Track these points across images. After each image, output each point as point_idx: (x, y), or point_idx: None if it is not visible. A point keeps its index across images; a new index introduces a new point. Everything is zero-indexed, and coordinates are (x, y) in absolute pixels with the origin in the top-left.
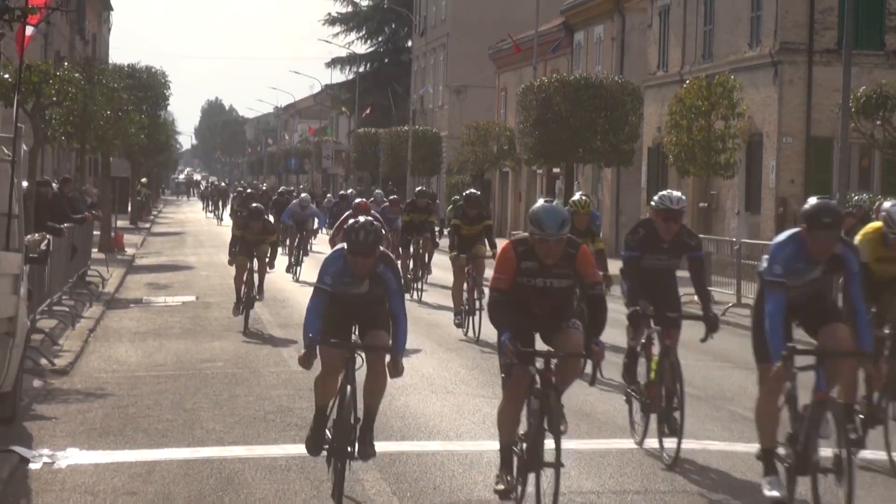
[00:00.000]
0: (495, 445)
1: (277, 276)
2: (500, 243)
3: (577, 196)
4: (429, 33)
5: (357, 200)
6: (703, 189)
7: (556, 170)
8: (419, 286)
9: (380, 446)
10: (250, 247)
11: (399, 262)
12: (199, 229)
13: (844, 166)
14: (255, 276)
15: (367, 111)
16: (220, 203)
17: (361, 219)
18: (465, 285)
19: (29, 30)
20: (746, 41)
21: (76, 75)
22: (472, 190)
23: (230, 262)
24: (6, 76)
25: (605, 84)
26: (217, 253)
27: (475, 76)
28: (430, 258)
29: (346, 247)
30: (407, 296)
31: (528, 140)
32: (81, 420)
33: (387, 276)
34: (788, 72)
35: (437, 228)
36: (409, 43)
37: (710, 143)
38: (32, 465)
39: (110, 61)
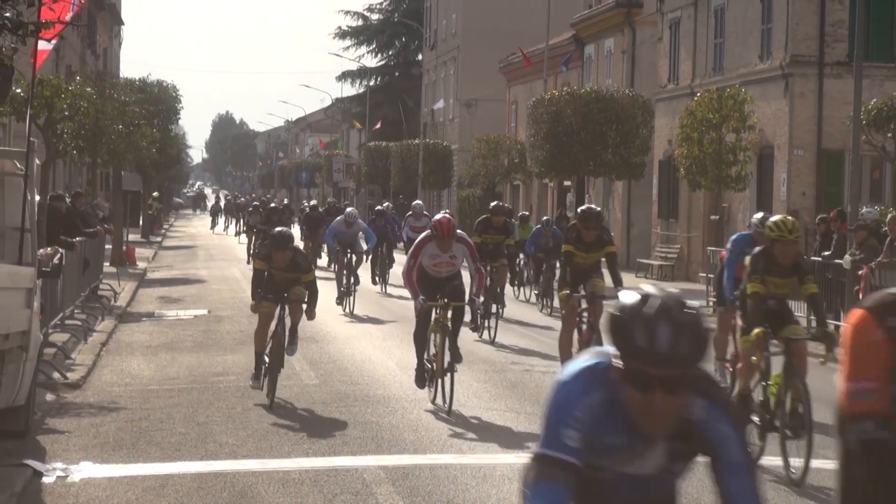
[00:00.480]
0: (508, 458)
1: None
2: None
3: (763, 216)
4: (439, 47)
5: (439, 216)
6: (715, 202)
7: (566, 183)
8: (490, 324)
9: (392, 459)
10: (279, 288)
11: None
12: (210, 243)
13: (856, 179)
14: (287, 320)
15: (378, 125)
16: (236, 220)
17: (653, 293)
18: (575, 335)
19: (44, 45)
20: (757, 54)
21: (88, 90)
22: (590, 205)
23: (253, 309)
24: (18, 91)
25: (615, 97)
26: (228, 267)
27: (486, 89)
28: (503, 290)
29: (609, 360)
30: (476, 335)
31: (538, 153)
32: (94, 433)
33: (720, 429)
34: (799, 84)
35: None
36: (420, 56)
37: (721, 156)
38: (46, 479)
39: (121, 75)
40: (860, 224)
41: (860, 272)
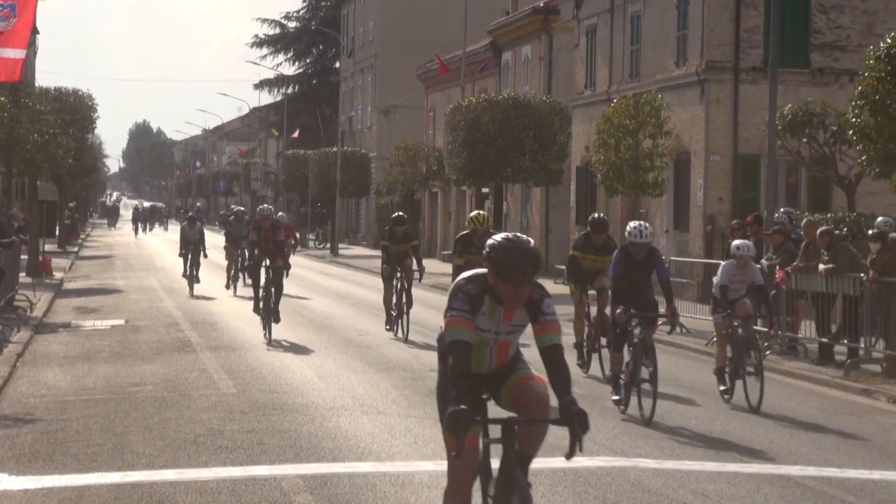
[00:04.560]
0: (427, 466)
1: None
2: (429, 264)
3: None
4: (357, 54)
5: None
6: (632, 208)
7: (485, 189)
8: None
9: (311, 468)
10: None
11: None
12: (128, 252)
13: (772, 184)
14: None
15: (296, 133)
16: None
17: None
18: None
19: (15, 54)
20: (673, 60)
21: (2, 99)
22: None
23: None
24: None
25: (533, 104)
26: (146, 276)
27: (404, 97)
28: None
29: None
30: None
31: (456, 160)
32: (10, 445)
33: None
34: (715, 90)
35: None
36: (338, 64)
37: (638, 162)
38: None
39: (37, 84)
40: (776, 228)
41: (776, 275)
